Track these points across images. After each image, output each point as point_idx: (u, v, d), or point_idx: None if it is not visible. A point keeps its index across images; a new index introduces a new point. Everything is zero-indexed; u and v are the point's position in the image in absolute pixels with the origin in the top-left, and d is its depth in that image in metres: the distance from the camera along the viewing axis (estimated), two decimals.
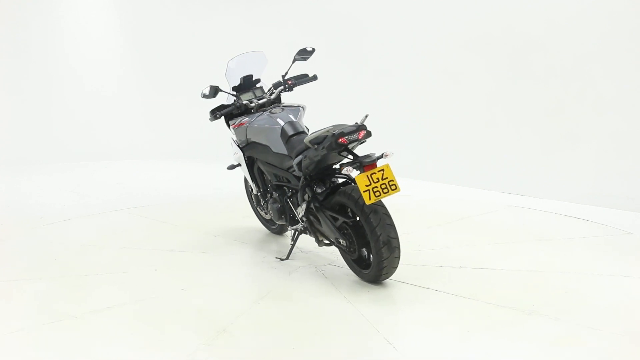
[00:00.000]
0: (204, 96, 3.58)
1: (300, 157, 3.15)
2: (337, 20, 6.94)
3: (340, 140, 2.83)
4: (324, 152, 2.89)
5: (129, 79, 8.55)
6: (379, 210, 2.86)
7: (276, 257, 3.56)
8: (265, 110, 3.60)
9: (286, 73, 3.72)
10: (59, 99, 8.17)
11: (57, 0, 8.26)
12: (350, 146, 2.94)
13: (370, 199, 2.77)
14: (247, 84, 3.74)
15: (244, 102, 3.66)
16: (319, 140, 2.95)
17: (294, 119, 3.41)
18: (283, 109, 3.54)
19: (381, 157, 2.88)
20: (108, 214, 4.84)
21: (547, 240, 3.80)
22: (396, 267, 2.95)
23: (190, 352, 2.35)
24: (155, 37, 8.44)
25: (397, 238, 2.87)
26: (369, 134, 2.93)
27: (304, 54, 3.68)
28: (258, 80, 3.77)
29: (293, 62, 3.70)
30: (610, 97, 4.76)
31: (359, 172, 2.87)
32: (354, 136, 2.87)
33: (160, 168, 7.40)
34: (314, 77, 3.78)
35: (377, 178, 2.80)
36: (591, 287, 2.96)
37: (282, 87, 3.70)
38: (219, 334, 2.51)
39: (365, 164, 2.86)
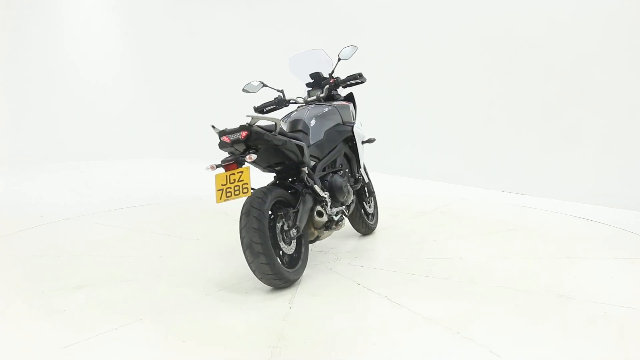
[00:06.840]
0: (245, 90, 3.66)
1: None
2: (337, 20, 6.95)
3: (222, 138, 2.84)
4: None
5: (129, 79, 8.57)
6: (252, 212, 2.75)
7: None
8: (300, 107, 3.64)
9: (332, 71, 3.75)
10: (59, 98, 8.19)
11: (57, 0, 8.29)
12: (235, 144, 2.83)
13: (220, 199, 2.76)
14: (318, 80, 3.79)
15: (291, 99, 3.71)
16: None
17: (303, 117, 3.42)
18: (309, 106, 3.57)
19: (244, 158, 2.83)
20: (108, 213, 4.85)
21: (546, 239, 3.80)
22: (271, 274, 2.76)
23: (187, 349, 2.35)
24: (155, 38, 8.46)
25: (263, 244, 2.71)
26: (256, 135, 2.83)
27: (346, 53, 3.70)
28: (330, 77, 3.79)
29: (338, 61, 3.72)
30: (610, 97, 4.75)
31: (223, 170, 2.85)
32: (236, 136, 2.83)
33: (160, 168, 7.41)
34: (361, 80, 3.75)
35: (234, 179, 2.79)
36: (588, 288, 2.95)
37: (328, 86, 3.72)
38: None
39: (225, 162, 2.86)
